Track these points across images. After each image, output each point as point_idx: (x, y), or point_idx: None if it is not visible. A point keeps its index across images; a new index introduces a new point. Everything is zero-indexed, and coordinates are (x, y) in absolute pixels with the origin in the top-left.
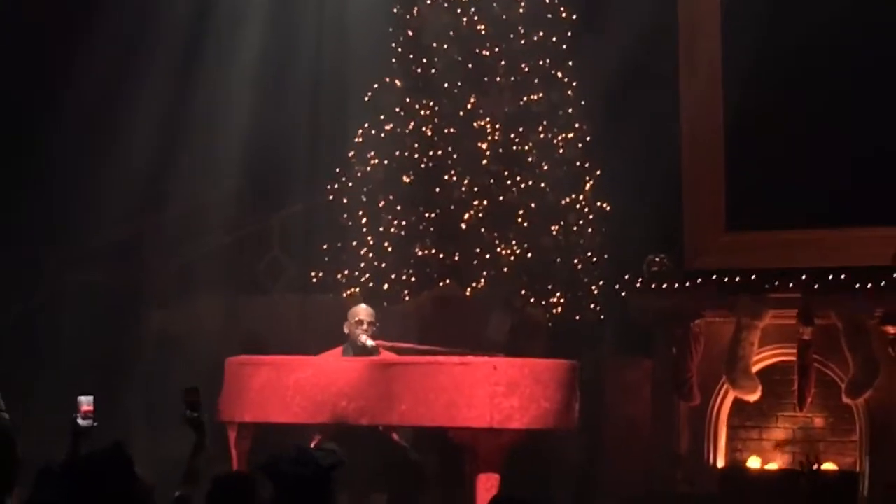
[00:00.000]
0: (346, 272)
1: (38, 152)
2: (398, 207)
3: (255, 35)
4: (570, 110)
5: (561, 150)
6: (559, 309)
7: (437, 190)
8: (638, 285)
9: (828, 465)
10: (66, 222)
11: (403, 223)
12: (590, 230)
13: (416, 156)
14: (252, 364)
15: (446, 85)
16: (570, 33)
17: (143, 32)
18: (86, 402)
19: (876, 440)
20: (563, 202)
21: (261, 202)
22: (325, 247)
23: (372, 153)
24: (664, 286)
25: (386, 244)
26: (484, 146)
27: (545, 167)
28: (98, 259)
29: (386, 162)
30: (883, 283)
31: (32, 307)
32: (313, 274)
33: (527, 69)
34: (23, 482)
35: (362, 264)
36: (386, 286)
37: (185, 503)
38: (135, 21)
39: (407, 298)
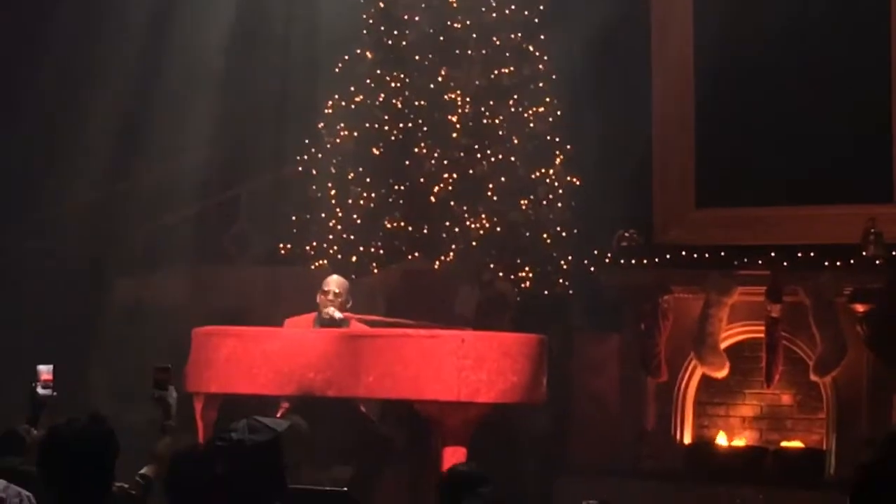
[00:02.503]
0: (314, 244)
1: (4, 119)
2: (367, 180)
3: (225, 5)
4: (541, 84)
5: (531, 124)
6: (528, 283)
7: (407, 163)
8: (607, 260)
9: (795, 443)
10: (31, 190)
11: (372, 195)
12: (559, 205)
13: (386, 128)
14: (219, 335)
15: (417, 57)
16: (541, 7)
17: (112, 3)
18: (45, 371)
19: (843, 418)
20: (533, 176)
21: (229, 173)
22: (293, 218)
23: (342, 125)
24: (633, 261)
25: (355, 216)
26: (454, 119)
27: (515, 141)
28: (62, 227)
29: (356, 134)
30: (851, 261)
31: None
32: (281, 246)
33: (498, 42)
34: None
35: (331, 236)
36: (354, 258)
37: (148, 482)
38: None
39: (375, 271)
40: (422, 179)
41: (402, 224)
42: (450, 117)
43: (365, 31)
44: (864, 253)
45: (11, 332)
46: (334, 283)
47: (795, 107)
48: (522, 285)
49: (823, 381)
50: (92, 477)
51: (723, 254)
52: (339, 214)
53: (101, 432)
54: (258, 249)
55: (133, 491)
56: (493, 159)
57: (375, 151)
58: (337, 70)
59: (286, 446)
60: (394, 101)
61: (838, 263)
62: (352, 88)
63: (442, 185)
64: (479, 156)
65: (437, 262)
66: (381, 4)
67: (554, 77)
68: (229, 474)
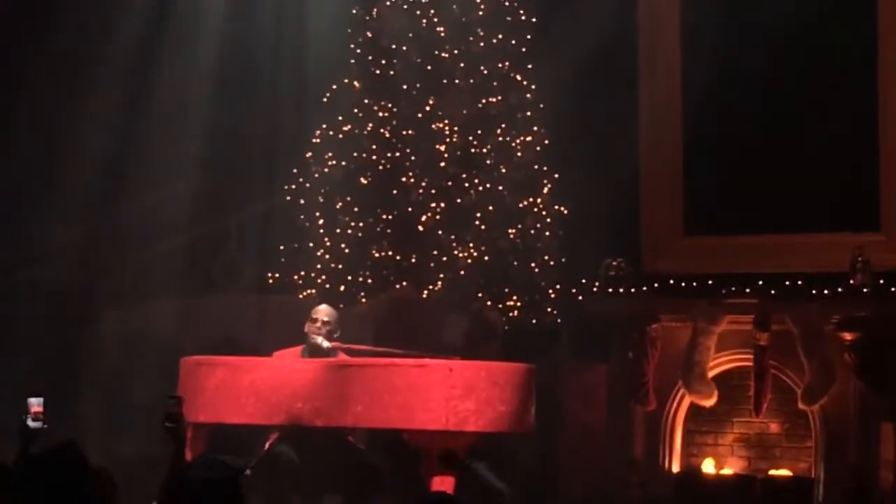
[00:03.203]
0: (302, 273)
1: None
2: (355, 209)
3: (214, 34)
4: (528, 113)
5: (519, 153)
6: (516, 312)
7: (395, 192)
8: (595, 289)
9: (783, 471)
10: (19, 219)
11: (360, 225)
12: (547, 233)
13: (374, 157)
14: (207, 364)
15: (405, 86)
16: (529, 36)
17: (100, 30)
18: (36, 404)
19: (831, 446)
20: (520, 205)
21: (218, 202)
22: (281, 248)
23: (329, 154)
24: (621, 290)
25: (343, 245)
26: (442, 148)
27: (503, 170)
28: (52, 257)
29: (343, 163)
30: (839, 290)
31: None
32: (270, 275)
33: (486, 72)
34: None
35: (319, 265)
36: (342, 288)
37: None
38: (92, 19)
39: (363, 300)
40: (409, 208)
41: (390, 253)
42: (437, 146)
43: (352, 61)
44: (851, 281)
45: (1, 363)
46: (323, 312)
47: (783, 135)
48: (510, 314)
49: (812, 409)
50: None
51: (711, 282)
52: (327, 244)
53: (72, 460)
54: (247, 279)
55: None
56: (480, 188)
57: (363, 181)
58: (325, 100)
59: (274, 476)
60: (381, 130)
61: (826, 292)
62: (339, 118)
63: (430, 215)
64: (466, 185)
65: (426, 291)
66: (369, 34)
67: (541, 106)
68: None
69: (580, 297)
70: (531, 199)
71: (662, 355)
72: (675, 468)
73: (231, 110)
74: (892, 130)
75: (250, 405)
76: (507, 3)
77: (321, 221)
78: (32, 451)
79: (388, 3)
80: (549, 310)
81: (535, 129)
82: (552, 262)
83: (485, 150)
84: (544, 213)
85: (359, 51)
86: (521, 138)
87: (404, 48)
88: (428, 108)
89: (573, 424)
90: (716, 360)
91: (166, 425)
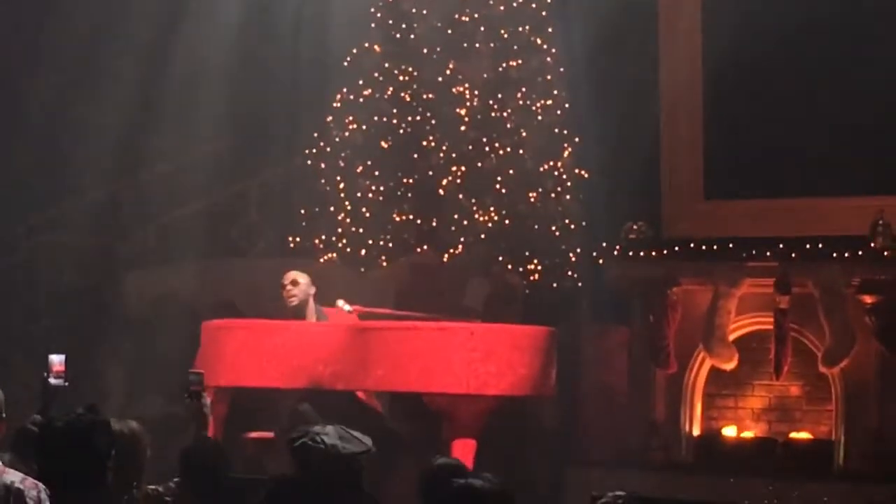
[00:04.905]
0: (323, 237)
1: (13, 113)
2: (376, 173)
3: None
4: (549, 77)
5: (540, 117)
6: (536, 276)
7: (415, 156)
8: (616, 253)
9: (803, 434)
10: (41, 184)
11: (381, 189)
12: (568, 197)
13: (395, 121)
14: (228, 328)
15: (425, 50)
16: (549, 0)
17: None
18: (57, 362)
19: (851, 409)
20: (541, 169)
21: (238, 166)
22: (302, 212)
23: (350, 118)
24: (641, 254)
25: (363, 209)
26: (462, 112)
27: (524, 134)
28: (73, 222)
29: (364, 127)
30: (860, 253)
31: (6, 270)
32: (290, 239)
33: (506, 35)
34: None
35: (339, 229)
36: (363, 251)
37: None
38: None
39: (384, 264)
40: (430, 172)
41: (411, 217)
42: (458, 110)
43: (373, 25)
44: (872, 244)
45: (25, 325)
46: (289, 276)
47: (804, 98)
48: (531, 278)
49: (832, 372)
50: (86, 467)
51: (731, 246)
52: (348, 208)
53: (94, 422)
54: (268, 243)
55: (168, 497)
56: (501, 152)
57: (384, 145)
58: (345, 63)
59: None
60: (402, 94)
61: (846, 255)
62: (360, 82)
63: (450, 178)
64: (487, 149)
65: (446, 255)
66: None
67: (562, 69)
68: (311, 475)
69: (601, 261)
70: (552, 163)
71: (683, 319)
72: (696, 431)
73: (251, 74)
74: None
75: (272, 368)
76: None
77: (342, 185)
78: (53, 415)
79: None
80: (569, 273)
81: (556, 92)
82: (573, 226)
83: (505, 114)
84: (565, 176)
85: (379, 14)
86: (542, 102)
87: (424, 12)
88: (448, 72)
89: (593, 388)
90: (736, 324)
91: (186, 400)
